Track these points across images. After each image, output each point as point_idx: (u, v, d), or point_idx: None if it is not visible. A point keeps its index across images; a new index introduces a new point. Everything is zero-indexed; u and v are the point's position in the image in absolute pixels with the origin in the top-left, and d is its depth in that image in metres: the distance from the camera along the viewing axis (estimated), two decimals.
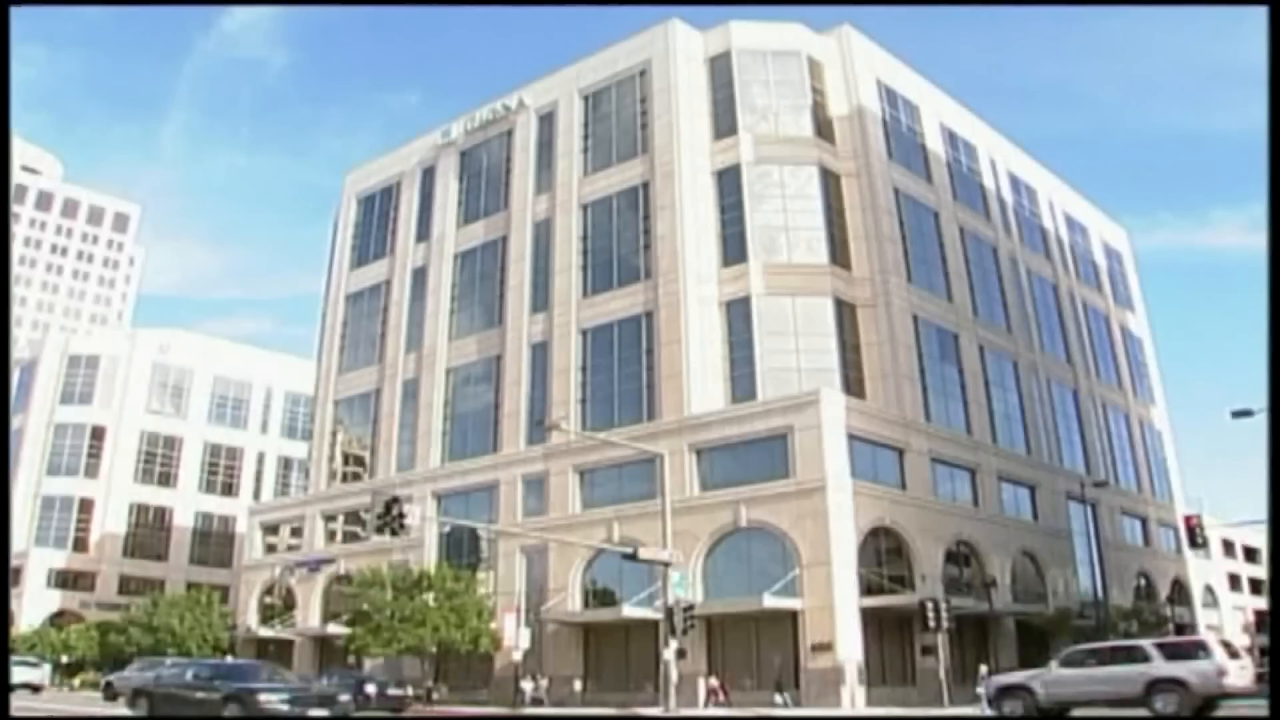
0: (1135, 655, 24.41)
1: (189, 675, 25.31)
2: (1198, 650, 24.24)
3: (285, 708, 22.52)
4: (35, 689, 48.79)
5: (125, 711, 27.18)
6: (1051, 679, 24.89)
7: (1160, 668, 23.33)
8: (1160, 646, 24.69)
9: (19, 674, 46.58)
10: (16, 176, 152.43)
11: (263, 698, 22.63)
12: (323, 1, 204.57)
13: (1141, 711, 22.88)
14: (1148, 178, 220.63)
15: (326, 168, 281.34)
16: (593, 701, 41.26)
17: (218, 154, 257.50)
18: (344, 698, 26.40)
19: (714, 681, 38.18)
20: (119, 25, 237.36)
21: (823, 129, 49.88)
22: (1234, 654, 24.33)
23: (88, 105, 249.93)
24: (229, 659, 56.51)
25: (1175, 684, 22.67)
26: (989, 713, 26.18)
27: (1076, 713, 25.03)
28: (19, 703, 33.51)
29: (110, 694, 42.97)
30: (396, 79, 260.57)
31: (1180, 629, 55.37)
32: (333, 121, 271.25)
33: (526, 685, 40.42)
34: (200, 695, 23.75)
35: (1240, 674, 23.30)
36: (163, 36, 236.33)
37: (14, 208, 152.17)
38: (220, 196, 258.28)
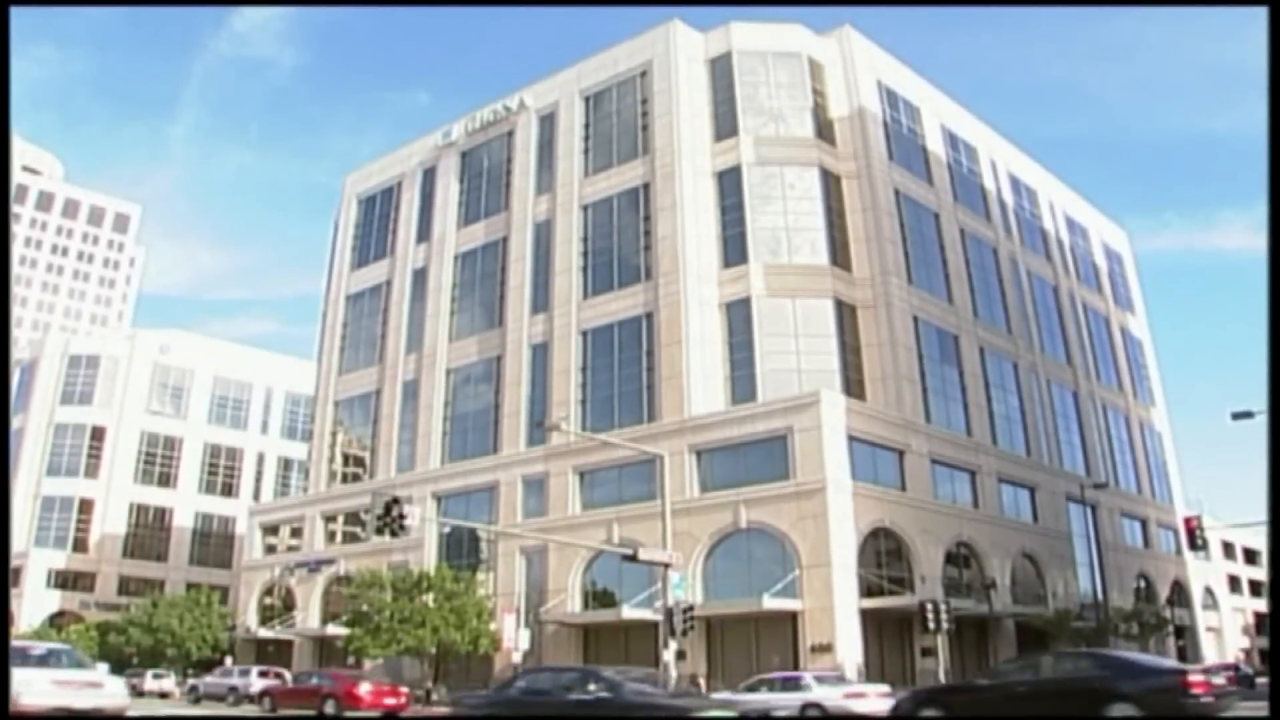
0: None
1: None
2: None
3: None
4: None
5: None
6: None
7: None
8: None
9: None
10: (17, 176, 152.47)
11: None
12: (332, 2, 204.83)
13: None
14: (1153, 179, 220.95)
15: (335, 167, 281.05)
16: None
17: (226, 154, 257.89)
18: None
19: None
20: (129, 25, 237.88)
21: (823, 130, 49.91)
22: None
23: (96, 105, 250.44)
24: (229, 660, 56.63)
25: None
26: None
27: None
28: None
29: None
30: (405, 78, 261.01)
31: (1180, 631, 55.38)
32: (342, 121, 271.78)
33: None
34: None
35: None
36: (172, 36, 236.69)
37: (15, 208, 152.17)
38: (228, 196, 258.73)
